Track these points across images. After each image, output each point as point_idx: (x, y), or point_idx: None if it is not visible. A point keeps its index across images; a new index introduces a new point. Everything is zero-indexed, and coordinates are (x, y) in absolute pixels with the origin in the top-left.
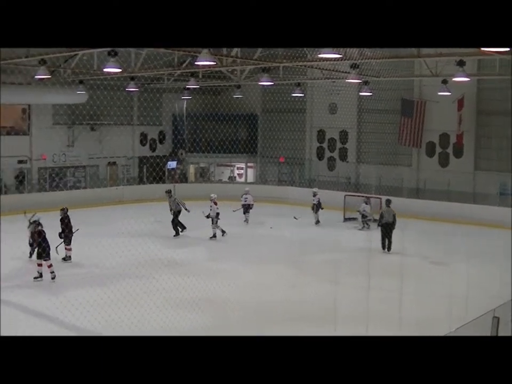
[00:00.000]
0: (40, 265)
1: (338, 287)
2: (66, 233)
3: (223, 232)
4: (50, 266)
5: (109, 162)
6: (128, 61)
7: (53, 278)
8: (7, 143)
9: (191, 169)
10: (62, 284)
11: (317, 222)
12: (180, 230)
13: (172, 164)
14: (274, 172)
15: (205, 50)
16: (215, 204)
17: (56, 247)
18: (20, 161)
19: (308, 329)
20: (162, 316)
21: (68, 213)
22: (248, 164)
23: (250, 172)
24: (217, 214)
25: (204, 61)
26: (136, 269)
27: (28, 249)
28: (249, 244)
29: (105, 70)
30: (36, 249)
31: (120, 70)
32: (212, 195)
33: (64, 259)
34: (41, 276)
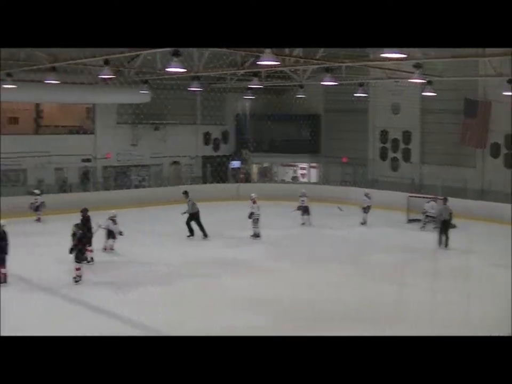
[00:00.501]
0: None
1: (401, 288)
2: (87, 234)
3: (256, 235)
4: (78, 269)
5: (173, 162)
6: (191, 61)
7: (76, 282)
8: (72, 142)
9: (254, 169)
10: (127, 282)
11: (364, 222)
12: (188, 234)
13: (235, 164)
14: (337, 172)
15: (268, 50)
16: (254, 202)
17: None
18: (84, 160)
19: (370, 330)
20: (222, 316)
21: (87, 214)
22: (311, 164)
23: (313, 172)
24: (252, 213)
25: (267, 61)
26: (198, 268)
27: (98, 244)
28: (311, 243)
29: (168, 70)
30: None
31: (183, 70)
32: (252, 194)
33: (88, 261)
34: (80, 278)
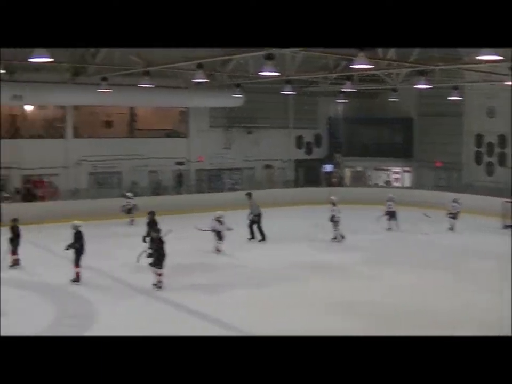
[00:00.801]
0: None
1: (498, 296)
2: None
3: (342, 236)
4: (160, 275)
5: (265, 165)
6: (284, 65)
7: (158, 288)
8: (166, 145)
9: (347, 172)
10: (218, 283)
11: (451, 228)
12: (249, 236)
13: (328, 167)
14: (430, 177)
15: (361, 54)
16: (334, 205)
17: (139, 256)
18: (178, 163)
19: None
20: (314, 320)
21: (154, 217)
22: (404, 168)
23: (407, 176)
24: (333, 216)
25: (361, 64)
26: (290, 271)
27: (190, 247)
28: (404, 249)
29: (261, 73)
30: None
31: (277, 74)
32: (332, 197)
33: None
34: (160, 284)
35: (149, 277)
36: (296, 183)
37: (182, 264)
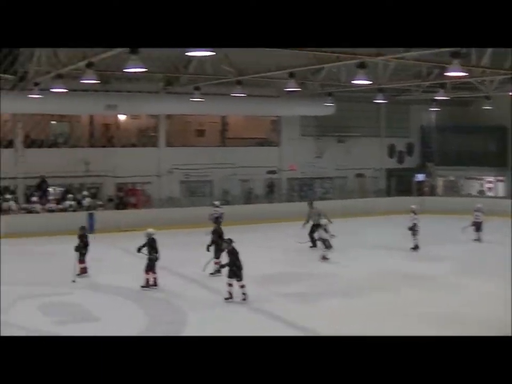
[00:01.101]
0: (230, 285)
1: None
2: (217, 245)
3: (416, 247)
4: (242, 287)
5: (357, 174)
6: (376, 73)
7: (244, 299)
8: (257, 153)
9: (440, 182)
10: (310, 293)
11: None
12: (311, 244)
13: (420, 177)
14: None
15: (456, 61)
16: (415, 214)
17: (206, 264)
18: (270, 172)
19: None
20: (408, 330)
21: (220, 226)
22: (498, 178)
23: (501, 186)
24: (414, 225)
25: (454, 72)
26: (381, 281)
27: (280, 256)
28: (487, 259)
29: (354, 82)
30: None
31: (369, 82)
32: (412, 206)
33: (212, 274)
34: (231, 296)
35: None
36: (388, 192)
37: (274, 273)
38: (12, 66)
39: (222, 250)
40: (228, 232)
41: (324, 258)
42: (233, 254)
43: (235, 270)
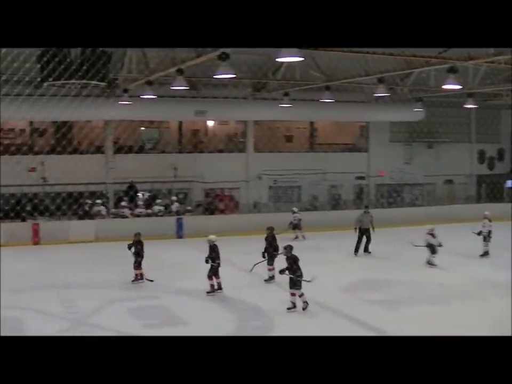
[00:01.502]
0: (293, 294)
1: None
2: (271, 252)
3: (486, 253)
4: (301, 295)
5: (446, 180)
6: (466, 77)
7: (304, 309)
8: (346, 159)
9: None
10: (395, 300)
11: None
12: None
13: (511, 183)
14: None
15: None
16: (489, 221)
17: (254, 265)
18: (358, 178)
19: None
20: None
21: (273, 232)
22: None
23: None
24: (489, 232)
25: None
26: (468, 288)
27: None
28: None
29: (444, 87)
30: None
31: (459, 87)
32: (486, 212)
33: (266, 280)
34: (294, 306)
35: (330, 291)
36: (478, 199)
37: (355, 280)
38: (102, 74)
39: (275, 257)
40: (314, 238)
41: (431, 264)
42: (294, 261)
43: (294, 279)
